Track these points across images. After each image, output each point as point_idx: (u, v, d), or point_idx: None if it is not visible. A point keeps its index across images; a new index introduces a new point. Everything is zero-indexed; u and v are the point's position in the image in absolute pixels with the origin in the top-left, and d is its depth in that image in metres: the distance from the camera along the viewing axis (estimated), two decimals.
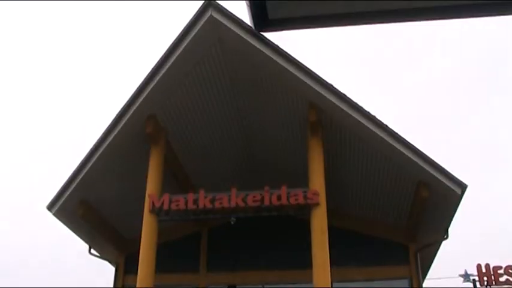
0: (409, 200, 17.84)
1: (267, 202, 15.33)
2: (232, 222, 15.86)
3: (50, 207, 17.70)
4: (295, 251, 18.70)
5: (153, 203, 15.95)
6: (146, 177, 16.60)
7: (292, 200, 15.24)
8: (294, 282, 18.86)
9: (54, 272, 61.11)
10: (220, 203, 15.52)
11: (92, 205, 18.25)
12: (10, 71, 66.57)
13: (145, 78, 15.97)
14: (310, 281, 14.94)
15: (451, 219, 17.32)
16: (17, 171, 68.97)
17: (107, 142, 16.70)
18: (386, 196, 18.40)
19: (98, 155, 16.89)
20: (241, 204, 15.43)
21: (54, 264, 62.43)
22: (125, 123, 16.44)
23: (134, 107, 16.24)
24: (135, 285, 15.78)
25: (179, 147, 17.93)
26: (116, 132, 16.54)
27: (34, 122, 75.06)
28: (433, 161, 16.04)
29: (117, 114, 16.44)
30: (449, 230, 17.93)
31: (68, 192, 17.47)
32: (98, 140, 16.78)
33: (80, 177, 17.24)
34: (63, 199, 17.53)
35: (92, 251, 20.08)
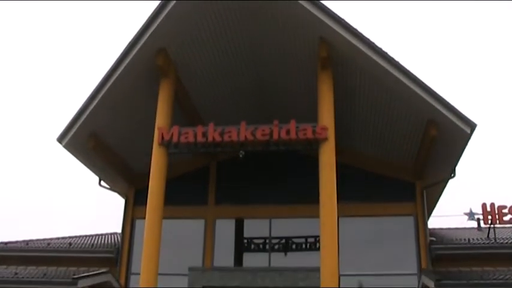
0: (418, 139, 17.86)
1: (275, 136, 15.39)
2: (241, 156, 15.93)
3: (60, 139, 17.82)
4: (303, 186, 18.94)
5: (162, 135, 16.06)
6: (156, 110, 16.67)
7: (301, 135, 15.30)
8: (301, 216, 19.16)
9: (66, 204, 62.35)
10: (229, 136, 15.60)
11: (101, 138, 18.36)
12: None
13: (155, 10, 15.81)
14: (317, 215, 15.15)
15: (459, 158, 17.35)
16: (27, 103, 69.39)
17: (117, 74, 16.67)
18: (395, 134, 18.41)
19: (107, 87, 16.89)
20: (250, 137, 15.51)
21: (66, 197, 63.65)
22: (134, 56, 16.36)
23: (144, 39, 16.14)
24: (145, 217, 16.08)
25: (189, 81, 17.88)
26: (125, 64, 16.50)
27: (46, 51, 74.96)
28: (443, 99, 15.95)
29: (126, 46, 16.34)
30: (457, 168, 18.02)
31: (77, 125, 17.55)
32: (107, 72, 16.75)
33: (90, 109, 17.29)
34: (73, 131, 17.63)
35: (102, 183, 20.35)
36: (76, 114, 17.47)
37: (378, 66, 15.74)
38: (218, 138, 15.67)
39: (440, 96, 15.91)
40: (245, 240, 20.34)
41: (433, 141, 16.85)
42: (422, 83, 15.85)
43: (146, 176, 16.39)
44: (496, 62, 67.47)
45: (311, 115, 16.07)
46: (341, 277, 15.95)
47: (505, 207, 19.62)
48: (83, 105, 17.35)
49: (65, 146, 17.98)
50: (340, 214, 15.49)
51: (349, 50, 15.83)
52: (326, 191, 15.08)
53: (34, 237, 22.71)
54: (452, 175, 18.17)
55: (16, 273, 17.00)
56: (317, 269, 14.99)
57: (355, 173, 19.50)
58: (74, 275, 16.33)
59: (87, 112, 17.33)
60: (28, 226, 57.23)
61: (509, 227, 21.09)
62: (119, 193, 21.12)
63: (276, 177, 20.20)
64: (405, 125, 17.65)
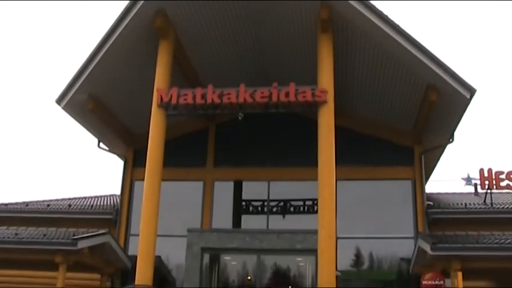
0: (417, 103, 17.85)
1: (275, 99, 15.38)
2: (240, 118, 15.93)
3: (59, 100, 17.80)
4: (302, 149, 19.03)
5: (161, 97, 16.03)
6: (155, 72, 16.61)
7: (300, 97, 15.28)
8: (300, 179, 19.26)
9: (66, 166, 62.61)
10: (229, 98, 15.58)
11: (100, 99, 18.32)
12: None
13: None
14: (316, 178, 15.22)
15: (458, 123, 17.38)
16: (25, 64, 69.07)
17: (115, 36, 16.53)
18: (395, 98, 18.39)
19: (106, 49, 16.77)
20: (249, 100, 15.49)
21: (65, 159, 63.85)
22: (133, 17, 16.20)
23: (142, 0, 15.99)
24: (143, 179, 16.15)
25: (188, 43, 17.75)
26: (124, 25, 16.34)
27: (45, 13, 74.32)
28: (443, 63, 15.88)
29: (125, 7, 16.19)
30: (455, 134, 18.07)
31: (76, 87, 17.50)
32: (106, 34, 16.60)
33: (88, 71, 17.20)
34: (71, 93, 17.59)
35: (101, 145, 20.39)
36: (74, 76, 17.40)
37: (379, 30, 15.63)
38: (217, 100, 15.64)
39: (441, 61, 15.84)
40: (243, 203, 20.51)
41: (433, 105, 16.85)
42: (423, 47, 15.75)
43: (145, 138, 16.42)
44: (496, 27, 67.05)
45: (311, 79, 16.03)
46: (338, 240, 16.06)
47: (502, 172, 19.71)
48: (81, 67, 17.26)
49: (64, 108, 17.97)
50: (339, 177, 15.55)
51: (349, 13, 15.70)
52: (325, 153, 15.12)
53: (34, 199, 22.91)
54: (450, 140, 18.24)
55: (17, 234, 17.12)
56: (314, 232, 15.14)
57: (354, 136, 19.53)
58: (74, 235, 16.43)
59: (86, 74, 17.25)
60: (28, 187, 57.67)
61: (506, 193, 21.22)
62: (118, 155, 21.18)
63: (275, 140, 20.23)
64: (405, 89, 17.61)
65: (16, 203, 22.19)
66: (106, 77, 17.53)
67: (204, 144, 20.74)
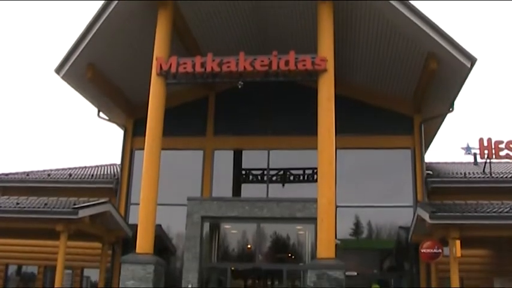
0: (417, 72, 17.78)
1: (274, 67, 15.32)
2: (239, 86, 15.89)
3: (58, 70, 17.73)
4: (302, 117, 19.02)
5: (160, 65, 15.97)
6: (154, 40, 16.50)
7: (300, 66, 15.22)
8: (299, 148, 19.31)
9: (65, 135, 62.68)
10: (228, 67, 15.52)
11: (100, 68, 18.26)
12: None
13: None
14: (315, 147, 15.23)
15: (458, 93, 17.33)
16: (26, 34, 68.62)
17: (114, 4, 16.42)
18: (395, 67, 18.32)
19: (104, 18, 16.66)
20: (249, 68, 15.42)
21: (65, 129, 63.90)
22: None
23: None
24: (143, 148, 16.17)
25: (188, 11, 17.59)
26: None
27: None
28: (444, 32, 15.78)
29: None
30: (455, 103, 18.03)
31: (75, 56, 17.44)
32: (104, 2, 16.49)
33: (87, 40, 17.12)
34: (70, 62, 17.53)
35: (101, 114, 20.37)
36: (73, 44, 17.32)
37: None
38: (217, 69, 15.58)
39: (441, 30, 15.74)
40: (243, 171, 20.61)
41: (433, 74, 16.78)
42: (424, 15, 15.65)
43: (145, 107, 16.40)
44: None
45: (311, 48, 15.93)
46: (337, 208, 16.12)
47: (501, 142, 19.74)
48: (79, 36, 17.17)
49: (63, 77, 17.91)
50: (338, 146, 15.58)
51: None
52: (324, 122, 15.11)
53: (34, 169, 22.95)
54: (450, 109, 18.22)
55: (18, 203, 17.16)
56: (314, 200, 15.22)
57: (354, 105, 19.50)
58: (75, 205, 16.48)
59: (84, 43, 17.17)
60: (29, 157, 57.80)
61: (505, 162, 21.26)
62: (118, 124, 21.18)
63: (275, 109, 20.19)
64: (405, 57, 17.53)
65: (17, 173, 22.25)
66: (105, 45, 17.43)
67: (203, 113, 20.71)
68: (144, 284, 14.59)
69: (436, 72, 16.60)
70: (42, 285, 20.41)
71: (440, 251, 15.74)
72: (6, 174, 22.00)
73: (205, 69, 15.62)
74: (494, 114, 60.85)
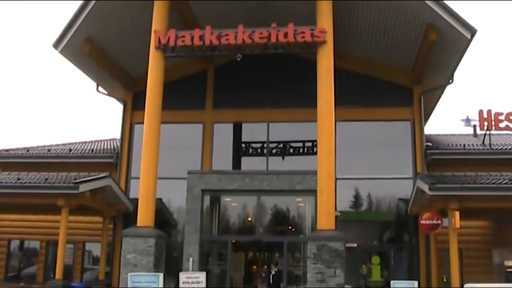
0: (417, 44, 17.70)
1: (273, 39, 15.25)
2: (238, 59, 15.83)
3: (55, 45, 17.66)
4: (301, 90, 18.93)
5: (159, 39, 15.91)
6: (152, 14, 16.39)
7: (299, 38, 15.15)
8: (299, 121, 19.25)
9: (64, 110, 62.63)
10: (227, 40, 15.45)
11: (98, 43, 18.19)
12: None
13: None
14: (315, 119, 15.23)
15: (458, 64, 17.26)
16: (24, 8, 68.16)
17: None
18: (395, 39, 18.20)
19: None
20: (248, 41, 15.35)
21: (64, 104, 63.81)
22: None
23: None
24: (143, 122, 16.17)
25: None
26: None
27: None
28: (443, 3, 15.70)
29: None
30: (455, 75, 17.98)
31: (73, 30, 17.36)
32: None
33: (85, 14, 17.04)
34: (68, 36, 17.46)
35: (100, 89, 20.33)
36: (71, 19, 17.26)
37: None
38: (215, 42, 15.51)
39: (441, 1, 15.65)
40: (243, 145, 20.61)
41: (432, 46, 16.70)
42: None
43: (144, 81, 16.39)
44: None
45: (310, 21, 15.83)
46: (337, 181, 16.13)
47: (501, 114, 19.73)
48: (77, 10, 17.11)
49: (61, 52, 17.86)
50: (338, 118, 15.57)
51: None
52: (324, 94, 15.09)
53: (34, 144, 22.97)
54: (450, 81, 18.19)
55: (19, 179, 17.23)
56: (314, 172, 15.26)
57: (353, 77, 19.37)
58: (75, 179, 16.55)
59: (82, 17, 17.11)
60: (28, 133, 57.85)
61: (504, 134, 21.31)
62: (117, 98, 21.15)
63: (274, 81, 20.06)
64: (405, 29, 17.42)
65: (17, 149, 22.27)
66: (103, 20, 17.34)
67: (203, 86, 20.63)
68: (145, 257, 14.72)
69: (435, 44, 16.51)
70: (44, 260, 20.59)
71: (439, 222, 15.84)
72: (7, 150, 22.02)
73: (204, 42, 15.55)
74: (495, 86, 60.70)
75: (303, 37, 15.12)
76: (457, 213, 14.71)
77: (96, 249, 19.89)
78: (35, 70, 67.80)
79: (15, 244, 21.35)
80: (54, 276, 16.69)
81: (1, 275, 20.55)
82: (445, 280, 17.65)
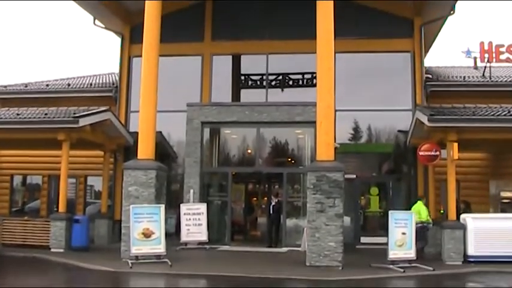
0: None
1: None
2: None
3: None
4: (300, 21, 18.55)
5: None
6: None
7: None
8: (298, 52, 19.00)
9: (61, 45, 61.99)
10: None
11: None
12: None
13: None
14: (314, 51, 15.04)
15: None
16: None
17: None
18: None
19: None
20: None
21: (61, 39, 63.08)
22: None
23: None
24: (141, 55, 16.00)
25: None
26: None
27: None
28: None
29: None
30: (456, 5, 17.71)
31: None
32: None
33: None
34: None
35: (97, 22, 20.06)
36: None
37: None
38: None
39: None
40: (242, 77, 20.49)
41: None
42: None
43: (141, 13, 16.06)
44: None
45: None
46: (337, 112, 16.09)
47: (502, 45, 19.61)
48: None
49: None
50: (337, 50, 15.35)
51: None
52: (323, 25, 14.81)
53: (33, 80, 22.84)
54: (451, 11, 17.92)
55: (18, 114, 17.20)
56: (313, 104, 15.19)
57: (354, 8, 19.07)
58: (75, 113, 16.52)
59: None
60: (26, 69, 57.44)
61: (505, 66, 21.18)
62: (114, 32, 20.88)
63: (273, 12, 19.74)
64: None
65: (15, 85, 22.20)
66: None
67: (201, 18, 20.30)
68: (146, 189, 14.81)
69: None
70: (47, 194, 20.85)
71: (438, 153, 15.96)
72: (5, 86, 21.95)
73: None
74: (496, 18, 59.85)
75: None
76: (456, 145, 14.79)
77: (97, 183, 20.12)
78: (32, 5, 66.69)
79: (17, 179, 21.58)
80: (58, 210, 16.96)
81: (5, 209, 20.85)
82: (442, 211, 17.93)
